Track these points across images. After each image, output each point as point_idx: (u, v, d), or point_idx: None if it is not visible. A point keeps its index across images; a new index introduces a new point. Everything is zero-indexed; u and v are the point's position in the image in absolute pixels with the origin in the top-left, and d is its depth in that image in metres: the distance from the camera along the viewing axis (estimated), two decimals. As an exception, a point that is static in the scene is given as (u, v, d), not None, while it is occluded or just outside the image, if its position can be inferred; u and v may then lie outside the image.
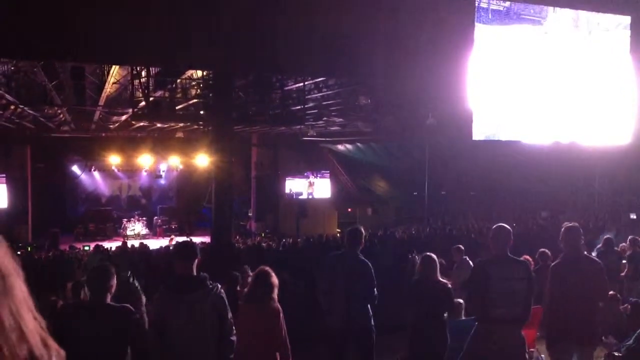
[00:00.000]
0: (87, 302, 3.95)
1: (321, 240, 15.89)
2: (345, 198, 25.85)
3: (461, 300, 6.27)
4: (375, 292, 5.51)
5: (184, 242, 4.64)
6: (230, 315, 4.10)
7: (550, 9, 9.98)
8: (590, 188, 20.56)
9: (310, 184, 24.11)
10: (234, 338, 4.10)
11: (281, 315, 4.84)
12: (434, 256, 5.70)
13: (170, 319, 3.97)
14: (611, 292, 6.90)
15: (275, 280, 4.87)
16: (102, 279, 3.88)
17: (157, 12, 7.94)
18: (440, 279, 5.62)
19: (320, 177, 24.43)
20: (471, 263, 7.96)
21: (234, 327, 4.13)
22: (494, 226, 5.07)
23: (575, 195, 20.31)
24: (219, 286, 4.14)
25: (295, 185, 24.08)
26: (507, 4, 9.62)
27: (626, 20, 10.92)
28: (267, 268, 4.96)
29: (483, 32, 9.52)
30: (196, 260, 4.10)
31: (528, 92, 10.20)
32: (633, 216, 17.13)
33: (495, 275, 4.75)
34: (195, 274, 4.09)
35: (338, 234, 20.11)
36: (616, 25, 10.90)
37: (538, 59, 10.18)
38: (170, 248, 15.91)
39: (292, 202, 23.87)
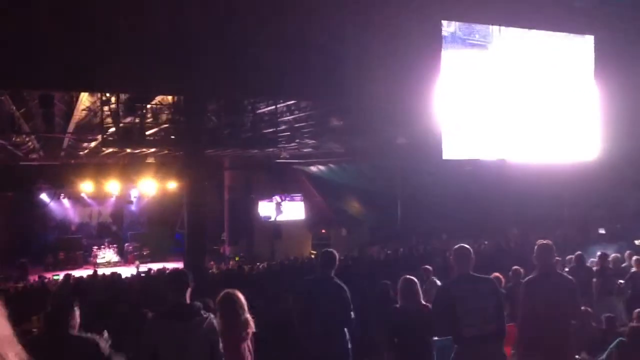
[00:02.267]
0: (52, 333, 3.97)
1: (296, 263, 15.82)
2: (319, 219, 25.81)
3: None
4: (352, 316, 5.47)
5: (176, 270, 4.69)
6: (221, 345, 4.12)
7: (496, 31, 10.19)
8: (559, 204, 20.85)
9: (278, 205, 23.88)
10: None
11: (250, 332, 4.86)
12: (415, 279, 5.62)
13: (162, 348, 3.98)
14: (583, 308, 6.96)
15: (244, 301, 4.91)
16: (65, 312, 3.92)
17: (126, 39, 7.92)
18: (423, 302, 5.53)
19: (291, 200, 24.31)
20: (439, 283, 7.97)
21: (223, 358, 4.14)
22: (455, 247, 5.10)
23: (544, 211, 20.56)
24: (212, 316, 4.15)
25: (265, 209, 23.89)
26: (452, 29, 9.80)
27: (589, 39, 11.21)
28: (232, 290, 4.96)
29: (445, 54, 9.71)
30: (189, 289, 4.13)
31: (493, 111, 10.37)
32: (602, 231, 17.42)
33: (460, 294, 4.78)
34: (188, 302, 4.11)
35: (312, 256, 20.05)
36: (579, 43, 11.18)
37: (497, 80, 10.36)
38: (143, 275, 15.68)
39: (266, 224, 23.75)
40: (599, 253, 9.47)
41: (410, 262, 13.82)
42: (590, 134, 11.39)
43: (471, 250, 4.98)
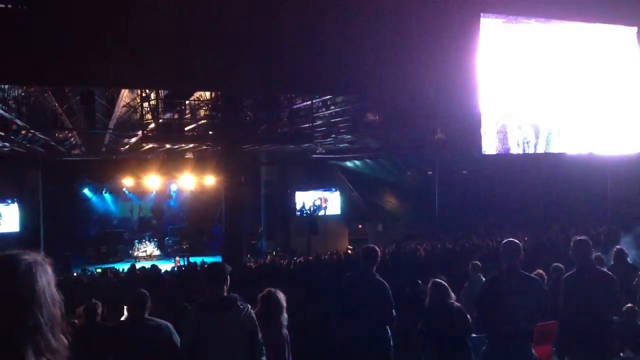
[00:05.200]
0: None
1: (333, 258, 15.81)
2: (355, 214, 25.77)
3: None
4: (394, 313, 5.41)
5: (214, 263, 4.79)
6: (260, 335, 4.17)
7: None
8: (602, 200, 20.39)
9: (323, 200, 23.99)
10: (264, 358, 4.18)
11: (287, 341, 4.85)
12: (443, 282, 5.54)
13: (203, 340, 4.07)
14: (629, 305, 6.81)
15: (283, 302, 4.89)
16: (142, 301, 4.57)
17: (165, 37, 8.03)
18: (454, 302, 5.47)
19: (329, 193, 24.40)
20: (483, 279, 7.82)
21: (264, 347, 4.19)
22: (504, 241, 5.04)
23: (587, 207, 20.11)
24: (249, 307, 4.21)
25: (301, 204, 23.99)
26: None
27: (633, 31, 10.92)
28: (276, 290, 4.95)
29: (492, 35, 9.54)
30: (227, 281, 4.21)
31: (540, 104, 10.20)
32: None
33: (506, 290, 4.72)
34: (226, 294, 4.19)
35: (349, 251, 20.03)
36: (622, 35, 10.90)
37: (549, 72, 10.18)
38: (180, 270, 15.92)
39: (302, 219, 23.83)
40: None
41: (447, 259, 13.70)
42: (634, 126, 11.11)
43: (520, 245, 4.91)
